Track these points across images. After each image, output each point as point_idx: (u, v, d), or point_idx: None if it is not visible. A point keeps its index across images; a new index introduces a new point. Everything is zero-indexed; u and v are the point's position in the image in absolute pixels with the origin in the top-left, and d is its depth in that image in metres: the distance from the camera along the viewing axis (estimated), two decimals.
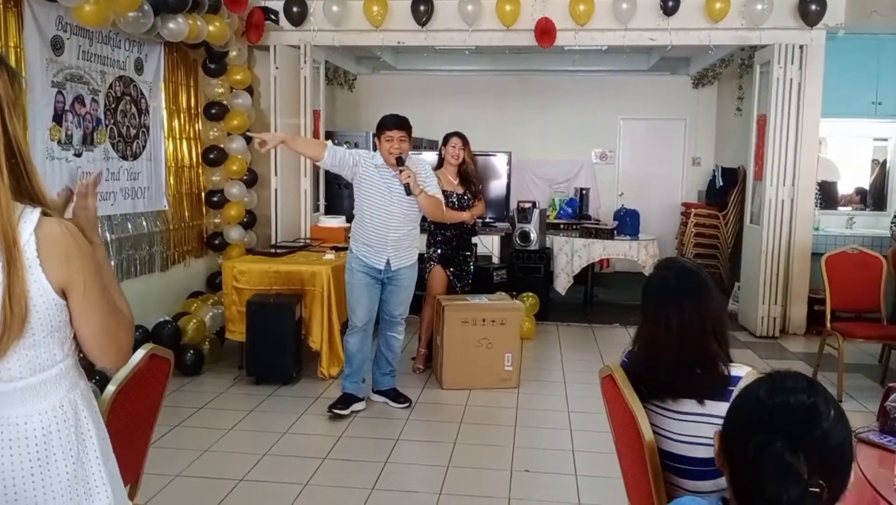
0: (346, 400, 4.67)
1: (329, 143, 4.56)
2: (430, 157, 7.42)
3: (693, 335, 2.12)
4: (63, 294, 1.49)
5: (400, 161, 4.47)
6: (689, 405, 2.12)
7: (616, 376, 2.24)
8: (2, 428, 1.48)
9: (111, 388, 2.25)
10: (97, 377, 3.97)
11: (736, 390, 2.06)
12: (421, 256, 5.67)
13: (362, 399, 4.76)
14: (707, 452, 2.08)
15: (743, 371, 2.12)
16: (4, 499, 1.48)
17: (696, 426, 2.11)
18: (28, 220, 1.44)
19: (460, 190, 5.45)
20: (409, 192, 4.48)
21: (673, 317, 2.13)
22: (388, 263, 4.61)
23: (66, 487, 1.52)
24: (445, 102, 10.02)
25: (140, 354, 2.37)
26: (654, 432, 2.14)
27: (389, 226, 4.56)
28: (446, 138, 5.51)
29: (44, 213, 1.46)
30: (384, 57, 9.64)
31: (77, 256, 1.48)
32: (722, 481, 1.93)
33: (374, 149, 4.75)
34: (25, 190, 1.47)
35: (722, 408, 2.07)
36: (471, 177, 5.47)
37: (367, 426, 4.52)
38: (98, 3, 4.54)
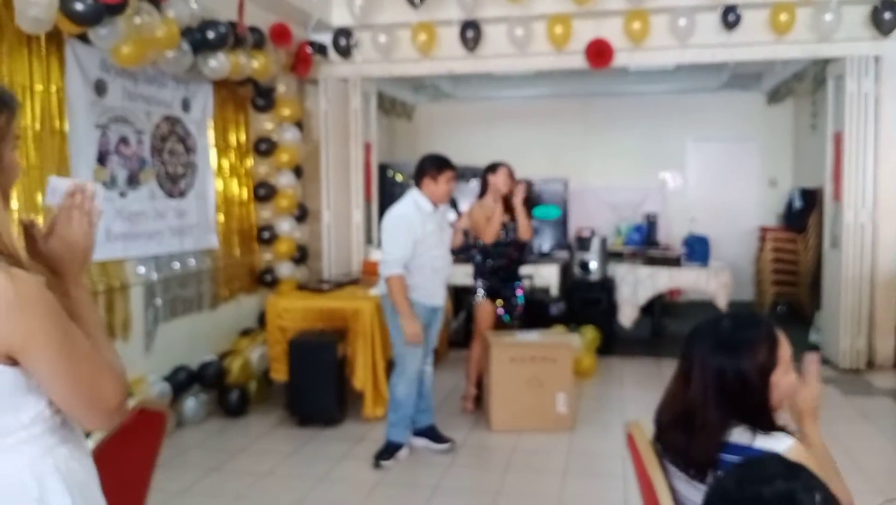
0: (392, 450, 4.46)
1: (398, 271, 4.28)
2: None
3: (700, 390, 1.84)
4: (10, 359, 1.28)
5: (454, 204, 4.43)
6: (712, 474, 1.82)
7: (635, 436, 1.97)
8: None
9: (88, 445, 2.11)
10: None
11: None
12: (467, 289, 5.49)
13: (406, 444, 4.55)
14: None
15: (782, 444, 1.75)
16: None
17: None
18: None
19: (506, 218, 5.24)
20: (467, 235, 4.75)
21: (694, 365, 1.88)
22: (442, 298, 4.62)
23: None
24: (506, 129, 9.83)
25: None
26: (679, 502, 1.86)
27: (447, 263, 4.55)
28: (494, 167, 5.31)
29: None
30: (442, 85, 9.56)
31: (21, 314, 1.26)
32: None
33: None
34: None
35: None
36: (514, 205, 5.26)
37: (407, 471, 4.31)
38: (136, 44, 4.53)
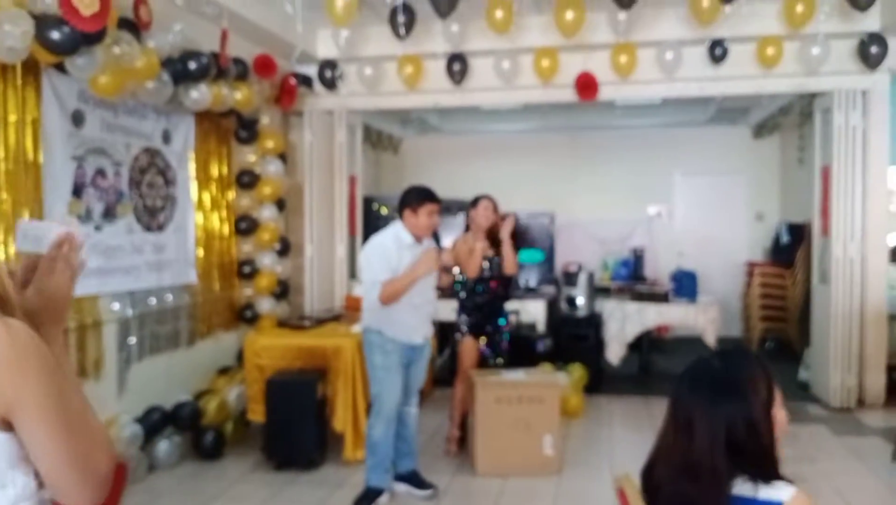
0: (372, 496, 4.28)
1: (381, 284, 4.16)
2: None
3: (706, 441, 1.72)
4: (4, 423, 1.14)
5: (437, 238, 4.33)
6: None
7: (627, 491, 1.84)
8: None
9: None
10: None
11: None
12: (452, 325, 5.36)
13: (386, 490, 4.37)
14: None
15: (785, 493, 1.67)
16: None
17: None
18: None
19: (490, 252, 5.13)
20: (448, 270, 4.34)
21: (698, 416, 1.75)
22: (423, 336, 4.42)
23: None
24: (493, 163, 9.79)
25: None
26: None
27: (426, 299, 4.37)
28: (475, 201, 5.22)
29: None
30: (429, 119, 9.51)
31: (17, 368, 1.12)
32: None
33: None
34: None
35: None
36: (501, 239, 5.16)
37: None
38: (114, 74, 4.42)
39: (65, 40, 3.90)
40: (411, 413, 4.51)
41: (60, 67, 4.26)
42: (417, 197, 4.24)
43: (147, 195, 5.38)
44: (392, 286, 4.10)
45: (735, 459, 1.70)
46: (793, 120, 8.21)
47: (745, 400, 1.73)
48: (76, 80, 4.44)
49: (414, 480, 4.47)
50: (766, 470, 1.71)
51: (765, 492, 1.67)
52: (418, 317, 4.32)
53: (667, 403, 1.88)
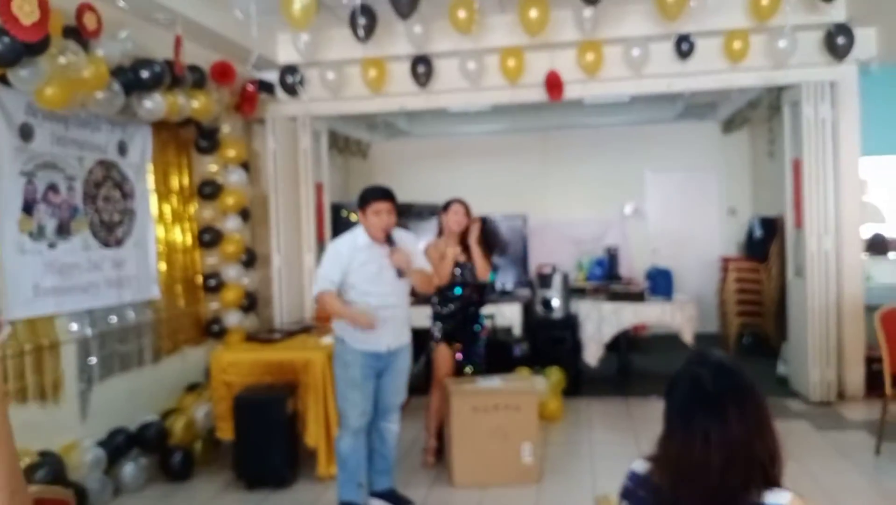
0: None
1: (326, 287, 4.06)
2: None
3: (741, 454, 1.64)
4: None
5: (389, 239, 4.07)
6: None
7: None
8: None
9: None
10: None
11: None
12: (427, 332, 5.21)
13: None
14: None
15: (784, 498, 1.61)
16: None
17: None
18: None
19: (462, 258, 5.00)
20: (401, 274, 4.08)
21: (714, 430, 1.65)
22: (387, 346, 4.15)
23: None
24: (463, 166, 9.68)
25: None
26: None
27: (387, 303, 4.11)
28: (446, 205, 5.08)
29: None
30: (397, 123, 9.37)
31: None
32: None
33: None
34: None
35: None
36: (469, 245, 5.03)
37: None
38: (61, 85, 4.23)
39: (6, 51, 3.73)
40: (391, 430, 4.31)
41: (4, 80, 4.06)
42: (365, 197, 4.14)
43: (103, 209, 5.18)
44: (325, 300, 4.06)
45: (755, 468, 1.64)
46: (761, 114, 8.18)
47: (763, 400, 1.70)
48: (22, 93, 4.25)
49: (391, 497, 4.31)
50: (775, 474, 1.66)
51: (769, 497, 1.62)
52: (378, 322, 4.06)
53: (665, 423, 1.76)
